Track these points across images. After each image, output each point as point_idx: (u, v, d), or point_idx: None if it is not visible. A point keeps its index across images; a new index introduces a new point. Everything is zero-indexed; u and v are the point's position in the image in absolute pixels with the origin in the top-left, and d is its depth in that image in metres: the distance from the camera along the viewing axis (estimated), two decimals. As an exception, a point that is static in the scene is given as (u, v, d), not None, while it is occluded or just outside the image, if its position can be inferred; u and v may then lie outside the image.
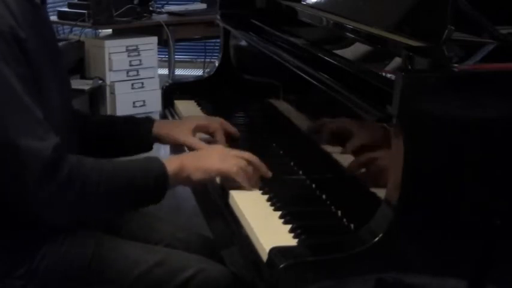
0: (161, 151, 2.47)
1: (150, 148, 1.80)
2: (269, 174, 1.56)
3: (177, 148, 1.87)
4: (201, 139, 1.78)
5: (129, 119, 1.86)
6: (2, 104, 1.35)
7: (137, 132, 1.78)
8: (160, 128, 1.79)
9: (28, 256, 1.45)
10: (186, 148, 1.81)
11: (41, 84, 1.42)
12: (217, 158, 1.53)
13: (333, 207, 1.44)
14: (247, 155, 1.55)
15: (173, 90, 2.28)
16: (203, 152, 1.61)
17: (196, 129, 1.80)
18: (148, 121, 1.80)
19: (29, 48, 1.39)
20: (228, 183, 1.54)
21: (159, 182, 1.47)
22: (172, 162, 1.50)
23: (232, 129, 1.85)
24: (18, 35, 1.37)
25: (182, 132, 1.78)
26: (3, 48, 1.35)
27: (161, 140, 1.79)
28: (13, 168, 1.35)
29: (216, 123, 1.84)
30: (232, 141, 1.82)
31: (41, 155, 1.33)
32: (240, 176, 1.51)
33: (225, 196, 1.54)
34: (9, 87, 1.35)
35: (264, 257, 1.24)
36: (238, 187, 1.52)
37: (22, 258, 1.45)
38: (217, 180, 1.58)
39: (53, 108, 1.45)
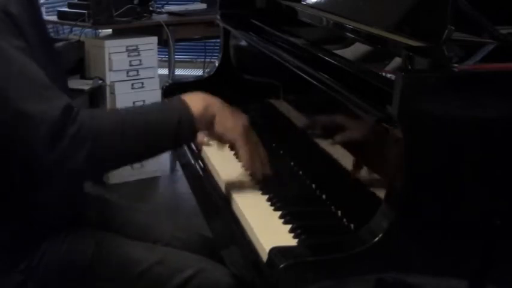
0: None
1: None
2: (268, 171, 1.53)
3: None
4: None
5: None
6: (3, 75, 1.33)
7: None
8: None
9: (28, 253, 1.46)
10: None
11: None
12: (242, 127, 1.47)
13: (333, 207, 1.45)
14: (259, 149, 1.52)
15: (173, 90, 2.27)
16: (230, 109, 1.51)
17: None
18: None
19: (23, 27, 1.38)
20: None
21: (183, 124, 1.41)
22: (197, 102, 1.45)
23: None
24: (9, 10, 1.37)
25: None
26: None
27: None
28: (22, 135, 1.32)
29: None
30: None
31: (48, 117, 1.30)
32: (247, 152, 1.46)
33: (226, 196, 1.54)
34: (8, 58, 1.33)
35: (264, 257, 1.24)
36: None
37: (22, 255, 1.45)
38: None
39: None
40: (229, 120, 1.46)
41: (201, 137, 1.82)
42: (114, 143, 1.36)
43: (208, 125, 1.46)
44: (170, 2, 4.95)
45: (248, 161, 1.46)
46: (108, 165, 1.44)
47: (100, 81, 4.36)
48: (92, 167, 1.38)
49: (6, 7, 1.37)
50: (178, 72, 5.66)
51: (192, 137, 1.46)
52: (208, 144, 1.79)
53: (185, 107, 1.42)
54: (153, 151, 1.45)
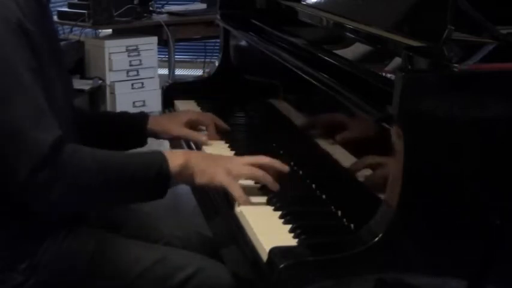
0: (161, 148, 2.49)
1: (144, 143, 1.82)
2: (286, 168, 1.51)
3: (175, 142, 1.88)
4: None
5: (124, 115, 1.88)
6: (9, 93, 1.34)
7: (132, 128, 1.80)
8: (155, 123, 1.81)
9: (28, 253, 1.46)
10: (182, 141, 1.83)
11: (46, 81, 1.42)
12: (224, 168, 1.47)
13: (333, 207, 1.44)
14: (258, 158, 1.51)
15: (173, 90, 2.28)
16: (212, 157, 1.55)
17: (188, 123, 1.82)
18: (143, 116, 1.82)
19: (36, 42, 1.39)
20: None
21: (160, 177, 1.44)
22: (177, 158, 1.47)
23: (223, 125, 1.87)
24: (26, 27, 1.37)
25: (176, 126, 1.81)
26: (11, 37, 1.35)
27: (156, 135, 1.82)
28: (11, 156, 1.35)
29: (208, 117, 1.87)
30: (223, 134, 1.85)
31: (39, 146, 1.33)
32: (236, 190, 1.45)
33: (225, 196, 1.54)
34: (17, 76, 1.35)
35: (264, 257, 1.24)
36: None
37: (22, 255, 1.45)
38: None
39: (56, 104, 1.45)
40: (206, 171, 1.47)
41: (202, 136, 1.82)
42: (91, 183, 1.39)
43: (190, 179, 1.48)
44: (170, 2, 4.95)
45: (241, 197, 1.46)
46: (82, 203, 1.46)
47: (100, 81, 4.37)
48: (66, 202, 1.40)
49: (22, 23, 1.37)
50: (178, 72, 5.66)
51: (164, 194, 1.47)
52: (207, 144, 1.79)
53: (165, 164, 1.44)
54: (123, 199, 1.51)
